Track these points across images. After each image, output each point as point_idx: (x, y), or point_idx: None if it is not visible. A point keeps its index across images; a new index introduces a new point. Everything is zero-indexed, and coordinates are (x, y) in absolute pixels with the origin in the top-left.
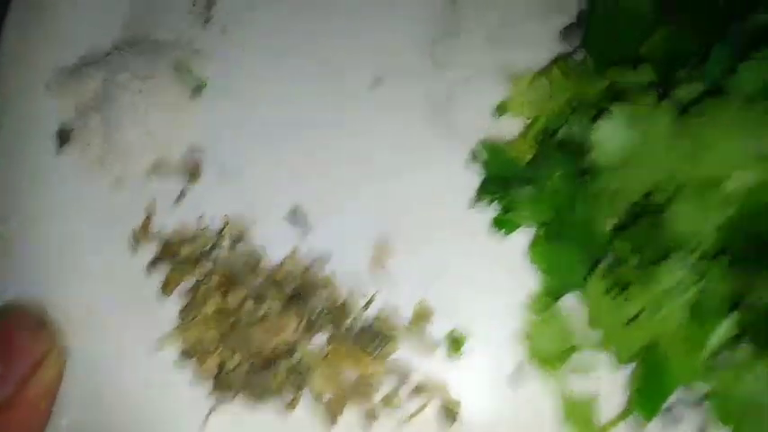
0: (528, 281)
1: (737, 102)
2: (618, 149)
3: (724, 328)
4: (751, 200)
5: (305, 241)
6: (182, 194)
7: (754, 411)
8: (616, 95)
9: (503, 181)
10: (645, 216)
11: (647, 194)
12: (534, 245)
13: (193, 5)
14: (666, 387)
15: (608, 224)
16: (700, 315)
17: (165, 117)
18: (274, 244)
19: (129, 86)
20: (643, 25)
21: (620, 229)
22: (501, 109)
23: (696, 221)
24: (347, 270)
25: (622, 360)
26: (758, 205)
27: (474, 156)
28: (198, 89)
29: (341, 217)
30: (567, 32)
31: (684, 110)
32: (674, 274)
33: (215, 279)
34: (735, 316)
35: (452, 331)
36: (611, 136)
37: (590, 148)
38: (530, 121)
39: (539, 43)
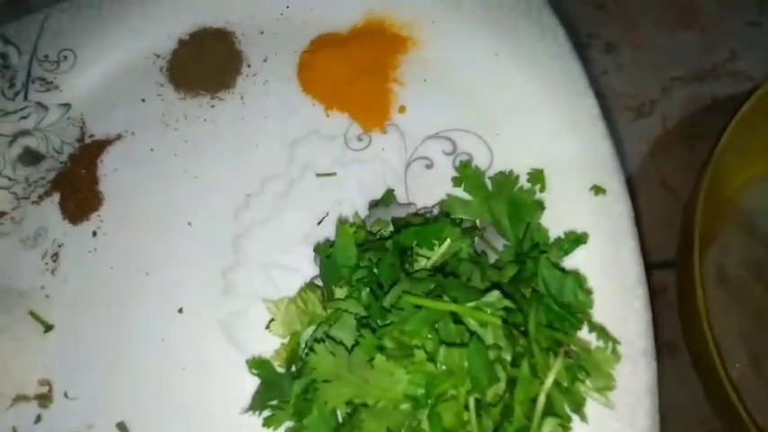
0: None
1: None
2: (326, 370)
3: None
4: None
5: None
6: (38, 419)
7: None
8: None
9: (269, 387)
10: (349, 419)
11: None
12: None
13: (42, 258)
14: None
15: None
16: None
17: (22, 357)
18: None
19: None
20: (352, 263)
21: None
22: (268, 328)
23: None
24: None
25: None
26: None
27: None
28: (48, 329)
29: (157, 423)
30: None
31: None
32: None
33: None
34: None
35: None
36: (322, 358)
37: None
38: (286, 338)
39: (298, 269)
